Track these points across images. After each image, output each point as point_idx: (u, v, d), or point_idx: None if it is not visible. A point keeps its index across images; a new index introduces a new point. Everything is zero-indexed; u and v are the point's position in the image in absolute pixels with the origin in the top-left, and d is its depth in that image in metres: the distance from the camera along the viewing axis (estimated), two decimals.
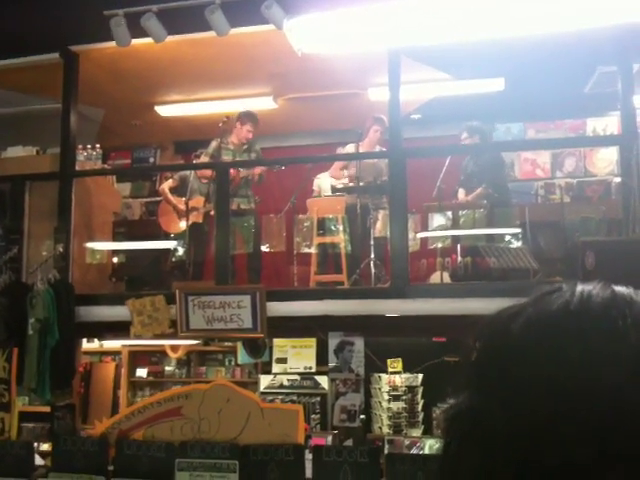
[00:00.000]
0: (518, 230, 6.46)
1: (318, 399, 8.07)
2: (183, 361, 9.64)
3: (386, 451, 5.52)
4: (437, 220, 6.86)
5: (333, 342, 5.88)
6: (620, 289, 0.65)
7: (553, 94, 7.24)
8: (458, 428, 0.64)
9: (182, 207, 7.17)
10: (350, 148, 7.02)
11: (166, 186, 7.48)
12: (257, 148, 7.21)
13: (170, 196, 7.37)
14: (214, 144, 7.03)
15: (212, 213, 7.04)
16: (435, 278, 6.26)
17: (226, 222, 6.11)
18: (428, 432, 8.02)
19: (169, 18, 5.85)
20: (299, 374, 8.18)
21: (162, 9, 5.84)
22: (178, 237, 7.26)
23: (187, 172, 7.47)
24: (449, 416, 0.66)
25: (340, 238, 6.84)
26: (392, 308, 5.53)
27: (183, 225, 7.11)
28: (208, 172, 7.10)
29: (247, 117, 7.09)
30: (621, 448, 0.56)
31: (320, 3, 5.70)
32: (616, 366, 0.58)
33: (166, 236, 7.38)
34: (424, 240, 6.71)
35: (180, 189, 7.38)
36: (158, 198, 8.15)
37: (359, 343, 5.85)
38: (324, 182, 7.54)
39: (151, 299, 5.81)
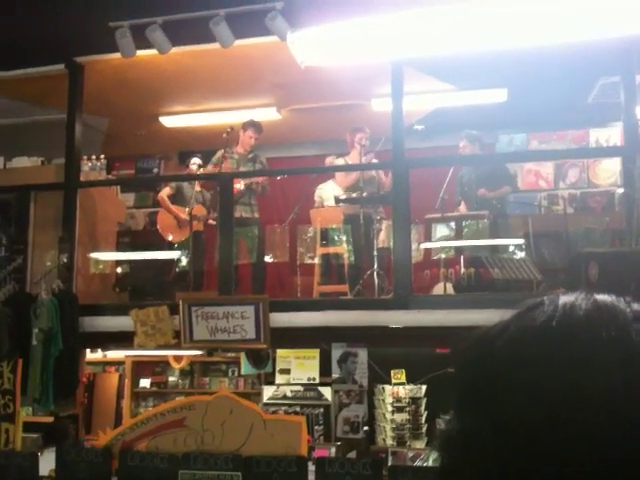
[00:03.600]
0: (521, 241, 6.46)
1: (321, 410, 8.05)
2: (186, 372, 9.64)
3: (390, 463, 5.50)
4: (440, 231, 6.87)
5: (336, 353, 5.87)
6: (602, 298, 0.65)
7: (556, 105, 7.26)
8: (451, 450, 0.65)
9: (183, 216, 7.20)
10: (340, 161, 7.10)
11: (164, 194, 7.48)
12: (263, 160, 7.25)
13: (170, 204, 7.39)
14: (219, 154, 7.08)
15: (210, 222, 7.11)
16: (438, 289, 6.26)
17: (230, 232, 6.11)
18: (432, 444, 7.99)
19: (174, 29, 5.88)
20: (302, 385, 8.16)
21: (167, 21, 5.87)
22: (182, 247, 7.28)
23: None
24: (442, 439, 0.67)
25: (343, 249, 6.84)
26: (395, 319, 5.52)
27: (184, 234, 7.18)
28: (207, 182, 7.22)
29: (249, 124, 7.21)
30: (609, 453, 0.56)
31: (323, 15, 5.72)
32: (601, 375, 0.58)
33: (170, 246, 7.39)
34: (427, 251, 6.71)
35: (177, 198, 7.44)
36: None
37: (362, 354, 5.84)
38: (325, 192, 7.56)
39: (155, 309, 5.81)
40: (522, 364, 0.62)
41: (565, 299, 0.66)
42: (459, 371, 0.68)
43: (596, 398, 0.58)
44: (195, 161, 7.56)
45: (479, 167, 6.94)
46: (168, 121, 8.28)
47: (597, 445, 0.57)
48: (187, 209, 7.12)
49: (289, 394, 8.21)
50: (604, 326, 0.61)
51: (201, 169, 7.50)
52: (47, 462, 4.28)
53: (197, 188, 7.34)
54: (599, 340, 0.60)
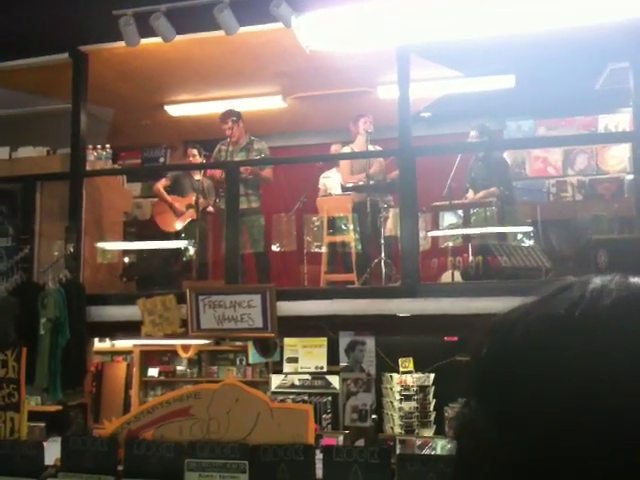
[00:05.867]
0: (530, 228, 6.42)
1: (329, 399, 8.05)
2: (194, 361, 9.66)
3: (398, 451, 5.49)
4: (448, 219, 6.83)
5: (344, 341, 5.86)
6: (637, 284, 0.62)
7: (564, 91, 7.19)
8: (464, 441, 0.64)
9: (178, 205, 7.29)
10: (346, 149, 7.04)
11: (160, 185, 7.51)
12: (259, 147, 7.08)
13: (166, 195, 7.41)
14: (217, 148, 7.07)
15: (209, 209, 7.11)
16: (446, 277, 6.23)
17: (235, 221, 6.10)
18: (440, 432, 7.99)
19: (178, 17, 5.85)
20: (310, 374, 8.17)
21: (171, 8, 5.83)
22: (188, 236, 7.28)
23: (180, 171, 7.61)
24: (456, 430, 0.66)
25: (350, 237, 6.81)
26: (403, 307, 5.50)
27: (179, 225, 7.23)
28: (217, 172, 7.14)
29: (222, 115, 7.05)
30: (621, 449, 0.54)
31: (328, 0, 5.68)
32: (616, 376, 0.56)
33: (176, 236, 7.39)
34: (435, 239, 6.68)
35: (175, 188, 7.44)
36: None
37: (370, 342, 5.83)
38: (329, 180, 7.52)
39: (162, 299, 5.81)
40: (538, 357, 0.59)
41: (596, 283, 0.63)
42: (474, 360, 0.65)
43: (608, 399, 0.55)
44: (192, 152, 7.60)
45: (484, 161, 6.87)
46: (173, 110, 8.25)
47: (609, 448, 0.54)
48: (184, 198, 7.19)
49: (297, 383, 8.22)
50: (628, 319, 0.58)
51: (196, 157, 7.52)
52: (51, 451, 4.28)
53: (197, 177, 7.36)
54: (619, 336, 0.57)
